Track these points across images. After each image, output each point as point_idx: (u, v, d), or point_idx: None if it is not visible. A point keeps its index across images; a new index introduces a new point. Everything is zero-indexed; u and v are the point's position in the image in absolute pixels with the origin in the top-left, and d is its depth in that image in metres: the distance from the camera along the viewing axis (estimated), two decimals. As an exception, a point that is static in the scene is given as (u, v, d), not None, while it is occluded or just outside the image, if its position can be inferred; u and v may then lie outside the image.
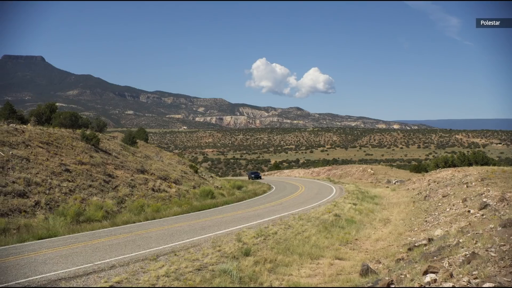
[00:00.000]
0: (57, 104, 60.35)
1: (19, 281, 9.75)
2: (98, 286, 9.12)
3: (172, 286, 8.85)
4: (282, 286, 8.77)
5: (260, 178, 71.07)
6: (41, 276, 10.20)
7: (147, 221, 23.47)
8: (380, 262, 11.31)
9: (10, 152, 27.93)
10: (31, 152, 29.65)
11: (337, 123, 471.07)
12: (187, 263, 10.90)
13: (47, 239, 17.75)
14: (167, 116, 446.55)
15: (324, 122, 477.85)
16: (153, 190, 33.96)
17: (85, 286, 9.15)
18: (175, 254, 12.24)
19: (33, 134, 33.43)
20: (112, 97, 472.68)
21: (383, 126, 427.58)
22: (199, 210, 28.35)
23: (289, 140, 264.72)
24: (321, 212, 22.28)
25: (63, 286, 9.32)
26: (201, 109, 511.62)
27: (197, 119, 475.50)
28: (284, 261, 10.68)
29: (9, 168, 25.82)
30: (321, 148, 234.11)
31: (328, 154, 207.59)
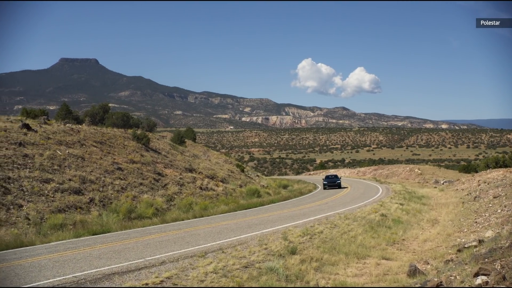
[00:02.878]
0: (109, 104, 61.96)
1: (76, 274, 10.08)
2: (148, 280, 9.29)
3: (220, 282, 8.95)
4: (328, 285, 8.73)
5: (339, 187, 46.68)
6: (96, 270, 10.51)
7: (195, 219, 23.80)
8: (428, 263, 11.08)
9: (67, 151, 28.87)
10: (86, 151, 30.56)
11: (383, 122, 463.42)
12: (234, 260, 10.99)
13: (101, 235, 18.27)
14: (214, 116, 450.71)
15: (370, 122, 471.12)
16: (200, 188, 34.38)
17: (117, 284, 9.36)
18: (222, 252, 12.36)
19: (87, 133, 34.44)
20: (161, 98, 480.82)
21: (431, 126, 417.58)
22: (245, 209, 28.49)
23: (334, 140, 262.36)
24: (367, 211, 21.99)
25: (116, 280, 9.57)
26: (247, 109, 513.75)
27: (243, 119, 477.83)
28: (330, 260, 10.61)
29: (65, 166, 26.70)
30: (367, 148, 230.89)
31: (374, 154, 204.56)
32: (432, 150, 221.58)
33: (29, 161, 25.30)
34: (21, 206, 20.97)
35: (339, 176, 51.73)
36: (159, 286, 9.00)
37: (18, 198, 21.34)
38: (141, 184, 29.69)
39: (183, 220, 23.38)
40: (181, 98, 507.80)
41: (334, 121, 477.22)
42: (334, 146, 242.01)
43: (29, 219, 19.99)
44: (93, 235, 18.29)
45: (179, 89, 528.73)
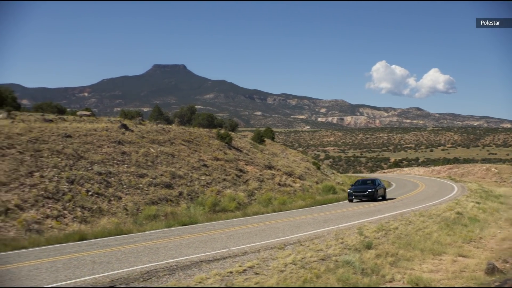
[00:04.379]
0: (196, 106, 63.76)
1: (168, 261, 10.47)
2: (230, 270, 9.46)
3: (299, 273, 8.96)
4: (404, 279, 8.50)
5: (371, 199, 28.74)
6: (185, 257, 10.86)
7: (274, 213, 23.93)
8: (507, 262, 10.46)
9: (159, 149, 30.03)
10: (175, 149, 31.63)
11: (458, 122, 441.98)
12: (312, 253, 10.95)
13: (189, 226, 18.84)
14: (291, 116, 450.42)
15: (445, 122, 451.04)
16: (279, 184, 34.53)
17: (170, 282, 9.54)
18: (300, 244, 12.36)
19: (176, 133, 35.61)
20: (242, 100, 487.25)
21: (508, 125, 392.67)
22: (321, 204, 28.27)
23: (408, 139, 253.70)
24: (443, 209, 21.11)
25: (204, 267, 9.83)
26: (323, 110, 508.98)
27: (319, 119, 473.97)
28: (405, 256, 10.31)
29: (158, 163, 27.78)
30: (442, 147, 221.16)
31: (448, 153, 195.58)
32: (511, 150, 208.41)
33: (127, 158, 26.56)
34: (120, 198, 22.08)
35: (379, 182, 31.66)
36: (222, 279, 9.12)
37: (117, 191, 22.48)
38: (224, 179, 30.28)
39: (263, 213, 23.60)
40: (260, 99, 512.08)
41: (408, 121, 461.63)
42: (408, 145, 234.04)
43: (127, 210, 21.02)
44: (182, 225, 18.89)
45: (259, 91, 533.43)
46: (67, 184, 21.02)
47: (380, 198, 29.94)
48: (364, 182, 31.41)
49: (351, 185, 31.86)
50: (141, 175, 25.18)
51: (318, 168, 52.11)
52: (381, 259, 9.97)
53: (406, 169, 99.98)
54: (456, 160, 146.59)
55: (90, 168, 23.33)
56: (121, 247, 13.07)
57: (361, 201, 28.91)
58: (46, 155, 22.76)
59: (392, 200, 29.15)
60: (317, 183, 39.49)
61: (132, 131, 31.81)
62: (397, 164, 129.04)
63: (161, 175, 26.29)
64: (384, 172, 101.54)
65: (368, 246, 11.56)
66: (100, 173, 23.19)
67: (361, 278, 8.48)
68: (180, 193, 25.34)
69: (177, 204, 23.79)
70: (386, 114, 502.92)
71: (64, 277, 9.02)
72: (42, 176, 20.66)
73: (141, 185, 24.10)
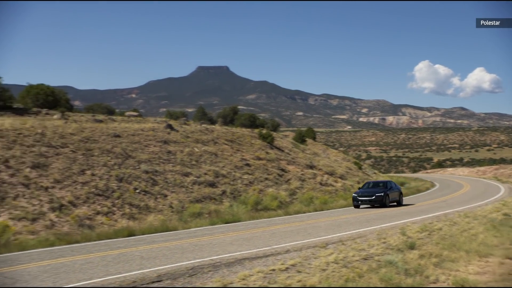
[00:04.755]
0: (238, 107, 64.17)
1: (213, 257, 10.59)
2: (275, 267, 9.46)
3: (341, 272, 8.88)
4: (449, 280, 8.27)
5: (381, 204, 24.82)
6: (229, 254, 10.96)
7: (316, 212, 23.79)
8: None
9: (203, 148, 30.41)
10: (218, 149, 31.94)
11: (505, 122, 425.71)
12: (354, 252, 10.83)
13: (232, 224, 18.97)
14: (332, 116, 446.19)
15: (491, 122, 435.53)
16: (320, 184, 34.31)
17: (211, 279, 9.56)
18: (342, 243, 12.24)
19: (220, 133, 35.96)
20: (284, 100, 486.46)
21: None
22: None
23: (452, 139, 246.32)
24: (489, 210, 20.39)
25: (247, 265, 9.89)
26: (364, 110, 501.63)
27: (360, 119, 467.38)
28: (450, 257, 10.02)
29: (202, 162, 28.13)
30: (487, 147, 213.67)
31: (495, 154, 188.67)
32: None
33: (172, 157, 27.03)
34: (166, 196, 22.50)
35: (392, 185, 27.22)
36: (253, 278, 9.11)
37: (163, 189, 22.91)
38: (266, 178, 30.35)
39: (304, 212, 23.49)
40: (302, 100, 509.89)
41: (452, 121, 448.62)
42: (452, 146, 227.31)
43: (172, 207, 21.40)
44: (225, 223, 19.05)
45: (300, 92, 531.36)
46: (116, 182, 21.59)
47: (395, 203, 26.17)
48: (375, 184, 27.29)
49: (358, 188, 27.96)
50: (185, 173, 25.57)
51: (360, 168, 51.46)
52: (425, 260, 9.74)
53: (450, 169, 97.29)
54: (502, 161, 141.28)
55: (137, 167, 23.87)
56: (167, 244, 13.32)
57: (372, 207, 25.10)
58: (96, 154, 23.45)
59: (435, 200, 28.35)
60: (358, 182, 38.98)
61: (177, 131, 32.34)
62: (440, 164, 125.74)
63: (205, 174, 26.61)
64: (427, 172, 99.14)
65: (411, 247, 11.31)
66: (147, 172, 23.70)
67: (404, 278, 8.31)
68: (223, 192, 25.57)
69: (220, 202, 24.02)
70: (429, 114, 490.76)
71: (114, 271, 9.27)
72: (93, 174, 21.31)
73: (185, 184, 24.47)
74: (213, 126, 41.58)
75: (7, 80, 35.53)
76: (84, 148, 23.58)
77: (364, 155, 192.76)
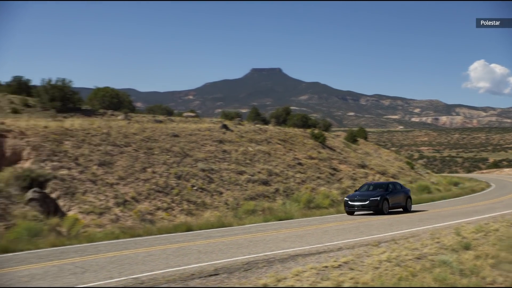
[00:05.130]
0: (291, 107, 64.04)
1: (267, 253, 10.63)
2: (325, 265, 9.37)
3: (394, 270, 8.67)
4: (507, 282, 7.89)
5: (376, 210, 20.17)
6: (282, 251, 10.96)
7: (368, 211, 23.33)
8: None
9: (256, 148, 30.59)
10: (271, 148, 32.02)
11: None
12: (407, 251, 10.54)
13: (285, 221, 18.95)
14: (384, 117, 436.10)
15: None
16: (372, 183, 33.68)
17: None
18: (395, 242, 11.95)
19: (272, 133, 36.04)
20: (335, 101, 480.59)
21: None
22: (416, 204, 27.05)
23: (509, 139, 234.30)
24: (547, 212, 19.30)
25: (300, 261, 9.86)
26: (416, 110, 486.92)
27: (412, 119, 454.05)
28: (508, 258, 9.55)
29: (255, 161, 28.31)
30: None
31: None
32: None
33: (227, 156, 27.37)
34: (221, 193, 22.82)
35: (398, 187, 22.69)
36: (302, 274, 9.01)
37: (219, 186, 23.25)
38: (318, 177, 30.14)
39: (356, 211, 23.10)
40: (353, 100, 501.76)
41: (509, 120, 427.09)
42: (509, 146, 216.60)
43: (227, 204, 21.68)
44: (278, 220, 19.06)
45: (352, 92, 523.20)
46: (175, 179, 22.12)
47: (400, 209, 21.96)
48: (376, 186, 22.20)
49: (355, 190, 23.64)
50: (240, 172, 25.82)
51: (412, 168, 50.04)
52: (481, 261, 9.35)
53: (507, 169, 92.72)
54: None
55: (194, 165, 24.35)
56: (222, 239, 13.51)
57: (375, 213, 20.49)
58: (157, 152, 24.13)
59: (490, 201, 27.07)
60: (411, 182, 37.94)
61: (232, 131, 32.70)
62: (496, 165, 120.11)
63: (259, 172, 26.76)
64: (482, 173, 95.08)
65: (466, 247, 10.88)
66: (203, 170, 24.13)
67: (459, 279, 8.01)
68: (276, 190, 25.62)
69: (274, 200, 24.08)
70: (484, 113, 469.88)
71: (174, 264, 9.51)
72: (153, 172, 21.95)
73: (240, 182, 24.71)
74: (266, 126, 41.72)
75: (77, 84, 37.24)
76: (145, 147, 24.32)
77: (416, 155, 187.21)
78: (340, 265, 9.27)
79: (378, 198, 20.18)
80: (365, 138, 61.20)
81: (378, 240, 12.41)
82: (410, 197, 22.91)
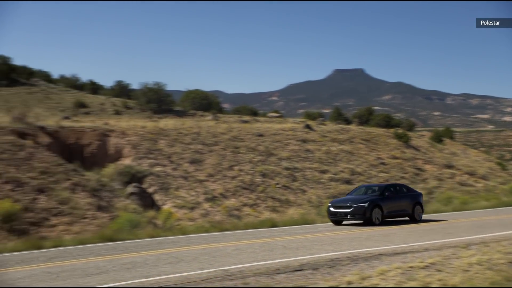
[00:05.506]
0: (373, 107, 62.29)
1: (351, 251, 10.41)
2: (412, 265, 8.97)
3: (485, 274, 8.10)
4: None
5: (365, 219, 15.85)
6: (366, 249, 10.66)
7: (455, 212, 22.07)
8: None
9: (339, 147, 30.12)
10: (354, 147, 31.36)
11: None
12: (499, 255, 9.81)
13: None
14: (472, 116, 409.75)
15: None
16: (459, 184, 31.79)
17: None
18: (486, 245, 11.16)
19: (355, 132, 35.27)
20: (420, 100, 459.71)
21: None
22: (508, 206, 25.12)
23: None
24: None
25: (384, 260, 9.53)
26: (508, 109, 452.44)
27: (504, 118, 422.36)
28: None
29: (338, 160, 27.88)
30: None
31: None
32: None
33: (310, 155, 27.23)
34: (305, 191, 22.75)
35: (398, 190, 17.71)
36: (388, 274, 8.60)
37: (302, 185, 23.20)
38: (402, 177, 29.01)
39: (442, 212, 21.97)
40: (439, 100, 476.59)
41: None
42: None
43: (311, 202, 21.57)
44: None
45: (437, 91, 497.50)
46: (260, 177, 22.40)
47: (406, 218, 17.41)
48: (371, 189, 17.77)
49: (347, 194, 19.07)
50: (322, 171, 25.58)
51: (504, 169, 46.51)
52: None
53: None
54: None
55: (279, 164, 24.50)
56: (306, 235, 13.45)
57: (364, 223, 16.25)
58: (243, 151, 24.60)
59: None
60: (502, 183, 35.29)
61: (315, 130, 32.48)
62: None
63: (341, 171, 26.33)
64: None
65: None
66: (287, 168, 24.20)
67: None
68: (359, 189, 25.04)
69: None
70: None
71: (260, 258, 9.61)
72: (240, 170, 22.39)
73: (322, 180, 24.47)
74: (349, 126, 40.92)
75: (170, 87, 39.04)
76: (232, 146, 24.88)
77: (508, 156, 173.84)
78: (426, 266, 8.84)
79: (366, 204, 15.77)
80: (452, 138, 57.93)
81: (467, 242, 11.67)
82: (420, 203, 17.78)
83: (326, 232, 14.17)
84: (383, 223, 16.16)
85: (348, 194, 18.35)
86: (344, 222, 16.65)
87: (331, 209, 16.26)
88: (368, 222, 15.86)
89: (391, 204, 16.60)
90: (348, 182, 25.24)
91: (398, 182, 27.50)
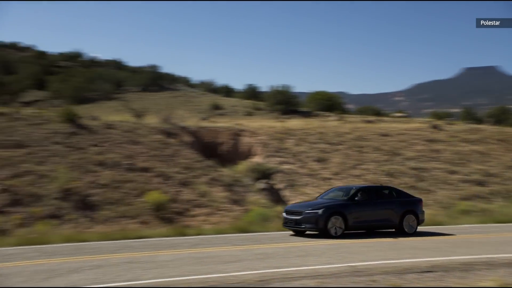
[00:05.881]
0: (507, 107, 56.17)
1: (488, 255, 9.52)
2: None
3: None
4: None
5: (322, 230, 12.11)
6: (504, 255, 9.65)
7: None
8: None
9: (470, 147, 27.76)
10: (487, 148, 28.61)
11: None
12: None
13: (505, 224, 16.69)
14: None
15: None
16: None
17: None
18: None
19: (488, 132, 32.17)
20: None
21: None
22: None
23: None
24: None
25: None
26: None
27: None
28: None
29: (469, 161, 25.71)
30: None
31: None
32: None
33: (438, 155, 25.52)
34: (432, 191, 21.38)
35: (385, 193, 13.76)
36: None
37: (430, 185, 21.85)
38: (545, 181, 25.69)
39: None
40: None
41: None
42: None
43: (439, 203, 20.21)
44: (496, 223, 16.90)
45: None
46: (385, 176, 21.61)
47: (392, 230, 13.46)
48: (343, 191, 14.06)
49: (317, 197, 15.25)
50: (451, 171, 23.80)
51: None
52: None
53: None
54: None
55: (404, 163, 23.39)
56: (436, 237, 12.65)
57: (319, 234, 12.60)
58: (367, 151, 23.96)
59: None
60: None
61: (443, 130, 30.36)
62: None
63: (473, 172, 24.22)
64: None
65: None
66: (413, 168, 23.00)
67: None
68: (493, 191, 22.79)
69: (490, 202, 21.47)
70: None
71: (389, 256, 9.29)
72: (364, 169, 21.85)
73: (451, 181, 22.77)
74: (481, 125, 37.42)
75: (296, 89, 39.64)
76: (357, 145, 24.38)
77: None
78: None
79: (319, 211, 12.18)
80: None
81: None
82: (414, 212, 13.43)
83: (459, 235, 13.13)
84: (347, 236, 12.41)
85: (318, 196, 14.76)
86: (307, 232, 12.97)
87: (284, 215, 13.19)
88: (323, 233, 12.24)
89: (361, 212, 12.74)
90: (480, 183, 23.13)
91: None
